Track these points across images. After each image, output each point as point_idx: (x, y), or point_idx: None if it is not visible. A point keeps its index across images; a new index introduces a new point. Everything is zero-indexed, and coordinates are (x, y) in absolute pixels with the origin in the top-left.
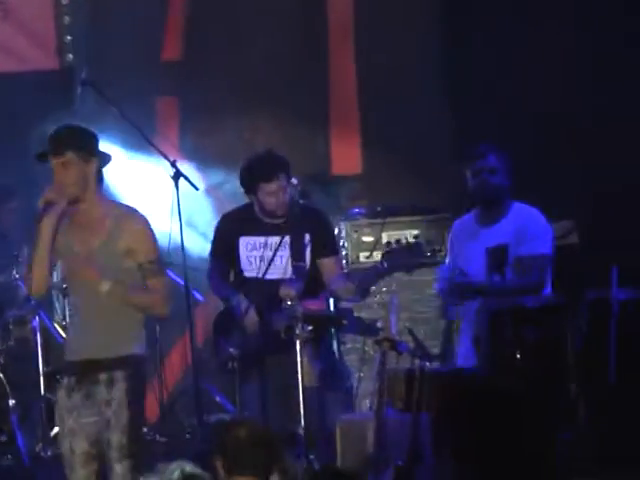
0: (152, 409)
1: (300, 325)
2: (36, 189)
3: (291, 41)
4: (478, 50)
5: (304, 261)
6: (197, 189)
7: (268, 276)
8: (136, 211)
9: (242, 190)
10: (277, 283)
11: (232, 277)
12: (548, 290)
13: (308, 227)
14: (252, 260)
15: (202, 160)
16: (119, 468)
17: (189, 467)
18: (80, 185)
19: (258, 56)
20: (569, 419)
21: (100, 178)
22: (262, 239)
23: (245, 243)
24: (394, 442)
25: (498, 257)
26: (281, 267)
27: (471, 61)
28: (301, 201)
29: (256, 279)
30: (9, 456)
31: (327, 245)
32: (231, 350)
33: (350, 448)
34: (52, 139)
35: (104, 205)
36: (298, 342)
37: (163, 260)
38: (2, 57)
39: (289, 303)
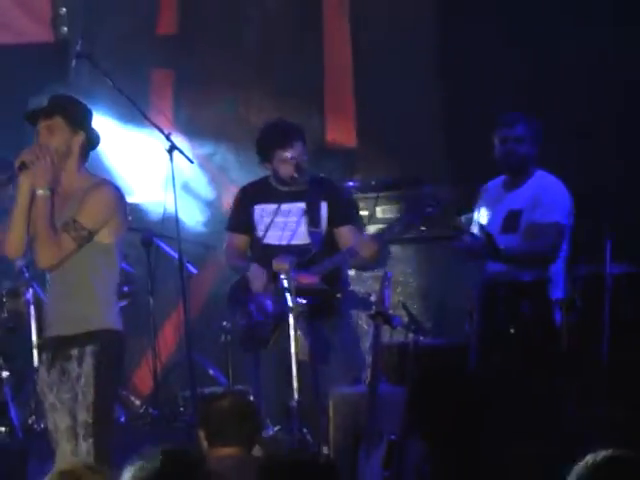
0: (145, 382)
1: (292, 298)
2: None
3: (285, 13)
4: (472, 23)
5: (320, 228)
6: (192, 162)
7: (282, 242)
8: (107, 183)
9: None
10: (293, 248)
11: (250, 247)
12: (560, 261)
13: (324, 196)
14: (267, 227)
15: (196, 132)
16: (84, 446)
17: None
18: (61, 152)
19: (252, 29)
20: (562, 393)
21: (85, 155)
22: (275, 206)
23: (260, 210)
24: (387, 416)
25: (510, 222)
26: (298, 233)
27: (465, 33)
28: None
29: (270, 246)
30: (2, 429)
31: (344, 214)
32: (238, 321)
33: (343, 422)
34: (47, 103)
35: (81, 179)
36: (291, 315)
37: (87, 233)
38: None
39: (282, 277)
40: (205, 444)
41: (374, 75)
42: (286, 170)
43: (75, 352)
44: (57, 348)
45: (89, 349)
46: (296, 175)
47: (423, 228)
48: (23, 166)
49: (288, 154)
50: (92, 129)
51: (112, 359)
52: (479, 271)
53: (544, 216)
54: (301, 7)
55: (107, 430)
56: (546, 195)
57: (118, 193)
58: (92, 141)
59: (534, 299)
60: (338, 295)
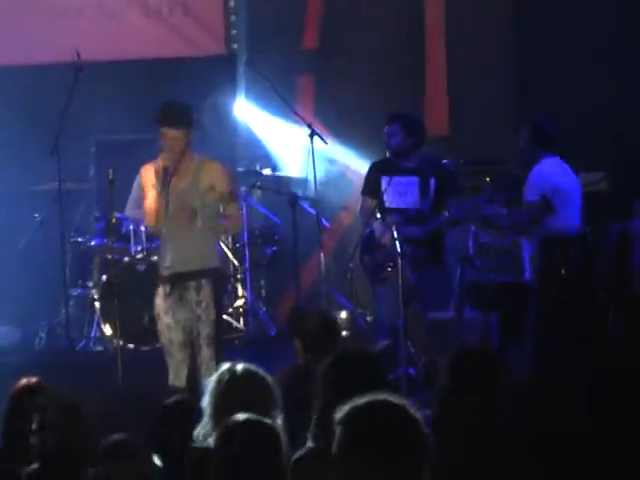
0: (291, 303)
1: (400, 246)
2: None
3: (398, 37)
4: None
5: (428, 197)
6: (326, 143)
7: (400, 205)
8: (212, 159)
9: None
10: (405, 211)
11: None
12: (576, 224)
13: (433, 172)
14: (389, 193)
15: (330, 123)
16: (207, 352)
17: (240, 367)
18: (183, 150)
19: (375, 49)
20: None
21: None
22: (393, 178)
23: (384, 181)
24: (469, 335)
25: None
26: (410, 200)
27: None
28: None
29: (390, 208)
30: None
31: (448, 187)
32: (366, 263)
33: (436, 341)
34: (169, 113)
35: (190, 157)
36: (400, 259)
37: (236, 192)
38: (181, 45)
39: (394, 230)
40: (302, 351)
41: (462, 82)
42: (387, 146)
43: (193, 284)
44: (177, 281)
45: (204, 281)
46: (387, 148)
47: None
48: (165, 167)
49: (385, 131)
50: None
51: (220, 288)
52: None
53: (524, 196)
54: (408, 24)
55: (222, 340)
56: (530, 178)
57: (222, 164)
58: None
59: (579, 247)
60: (437, 245)
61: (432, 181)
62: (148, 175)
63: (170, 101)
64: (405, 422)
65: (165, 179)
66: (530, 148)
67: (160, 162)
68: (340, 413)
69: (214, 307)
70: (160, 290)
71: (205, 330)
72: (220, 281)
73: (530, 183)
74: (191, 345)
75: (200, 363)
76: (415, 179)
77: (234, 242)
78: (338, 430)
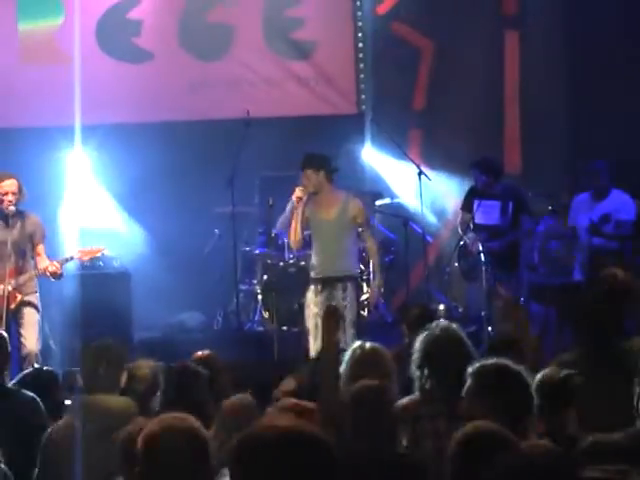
0: (399, 300)
1: (485, 256)
2: None
3: (483, 97)
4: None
5: (507, 216)
6: (430, 179)
7: (486, 222)
8: (355, 196)
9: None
10: (489, 227)
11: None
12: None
13: (512, 197)
14: (479, 213)
15: (433, 165)
16: (350, 332)
17: (368, 344)
18: (315, 186)
19: (466, 106)
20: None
21: (331, 178)
22: (481, 201)
23: (476, 202)
24: (534, 325)
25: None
26: (493, 218)
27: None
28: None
29: (478, 224)
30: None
31: (522, 209)
32: (462, 266)
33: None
34: (306, 159)
35: (335, 192)
36: (483, 266)
37: (369, 222)
38: (324, 106)
39: (479, 244)
40: (406, 333)
41: (534, 128)
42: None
43: (340, 285)
44: (326, 282)
45: (349, 284)
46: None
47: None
48: (298, 198)
49: (472, 173)
50: (330, 166)
51: (359, 289)
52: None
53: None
54: (491, 87)
55: (360, 325)
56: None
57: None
58: (332, 171)
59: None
60: (514, 253)
61: (510, 204)
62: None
63: (310, 152)
64: (520, 381)
65: (300, 207)
66: (606, 181)
67: (297, 193)
68: (471, 368)
69: (356, 301)
70: (312, 287)
71: (349, 317)
72: (357, 283)
73: (626, 207)
74: None
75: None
76: (497, 203)
77: (361, 252)
78: (469, 380)
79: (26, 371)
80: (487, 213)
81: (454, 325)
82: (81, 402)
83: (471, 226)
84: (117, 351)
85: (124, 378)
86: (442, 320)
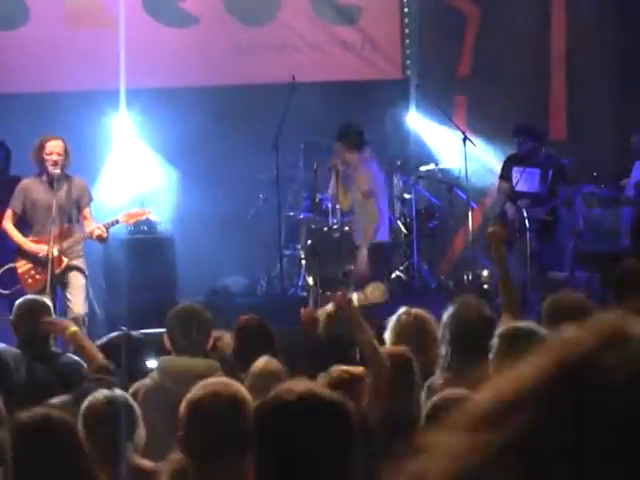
0: (445, 266)
1: (528, 220)
2: None
3: (530, 63)
4: None
5: (547, 183)
6: (474, 145)
7: (525, 189)
8: (370, 170)
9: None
10: (529, 194)
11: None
12: None
13: (552, 166)
14: (517, 180)
15: (478, 129)
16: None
17: (414, 310)
18: (345, 158)
19: (512, 73)
20: None
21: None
22: (522, 168)
23: (515, 170)
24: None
25: None
26: (533, 186)
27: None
28: None
29: (518, 192)
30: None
31: (561, 178)
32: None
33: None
34: (340, 130)
35: (362, 166)
36: (527, 232)
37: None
38: (369, 71)
39: (524, 210)
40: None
41: (579, 94)
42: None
43: None
44: None
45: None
46: (518, 150)
47: None
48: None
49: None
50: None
51: None
52: None
53: None
54: (537, 54)
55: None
56: None
57: None
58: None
59: None
60: (553, 221)
61: (550, 172)
62: None
63: (345, 123)
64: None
65: (333, 176)
66: None
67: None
68: (499, 330)
69: None
70: None
71: None
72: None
73: None
74: None
75: None
76: (538, 170)
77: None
78: (496, 341)
79: (112, 334)
80: (528, 180)
81: (479, 301)
82: (169, 363)
83: (510, 194)
84: (205, 315)
85: (210, 342)
86: (468, 295)
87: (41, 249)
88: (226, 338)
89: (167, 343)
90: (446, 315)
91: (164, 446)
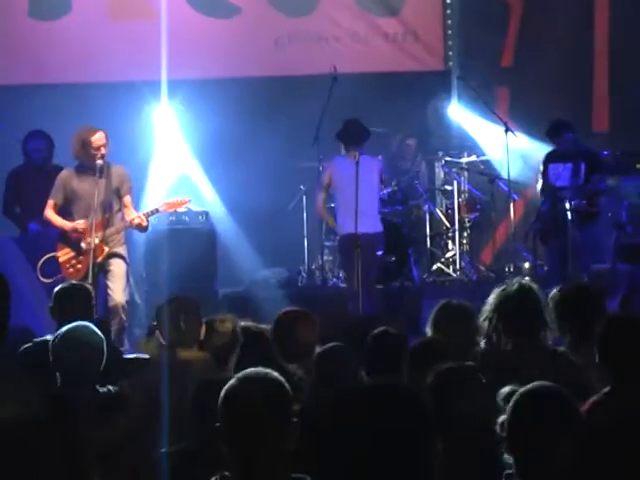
0: (487, 257)
1: (570, 212)
2: None
3: (573, 56)
4: None
5: (579, 176)
6: (516, 137)
7: (563, 184)
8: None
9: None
10: (567, 188)
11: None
12: None
13: (585, 158)
14: (556, 175)
15: (520, 121)
16: None
17: (455, 302)
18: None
19: (554, 65)
20: None
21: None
22: (559, 165)
23: (553, 167)
24: (620, 283)
25: None
26: (567, 178)
27: None
28: None
29: (553, 186)
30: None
31: (596, 169)
32: (533, 225)
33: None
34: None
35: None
36: (569, 224)
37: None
38: (411, 62)
39: (565, 201)
40: None
41: (622, 88)
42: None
43: None
44: None
45: None
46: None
47: None
48: None
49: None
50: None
51: None
52: None
53: None
54: (581, 47)
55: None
56: None
57: None
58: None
59: None
60: (591, 211)
61: (582, 165)
62: None
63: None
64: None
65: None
66: None
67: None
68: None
69: None
70: None
71: None
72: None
73: None
74: None
75: None
76: (571, 164)
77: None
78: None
79: None
80: (564, 175)
81: (532, 284)
82: (164, 356)
83: (548, 191)
84: (191, 305)
85: (202, 332)
86: (522, 277)
87: (81, 226)
88: (228, 323)
89: (160, 338)
90: (495, 293)
91: None
